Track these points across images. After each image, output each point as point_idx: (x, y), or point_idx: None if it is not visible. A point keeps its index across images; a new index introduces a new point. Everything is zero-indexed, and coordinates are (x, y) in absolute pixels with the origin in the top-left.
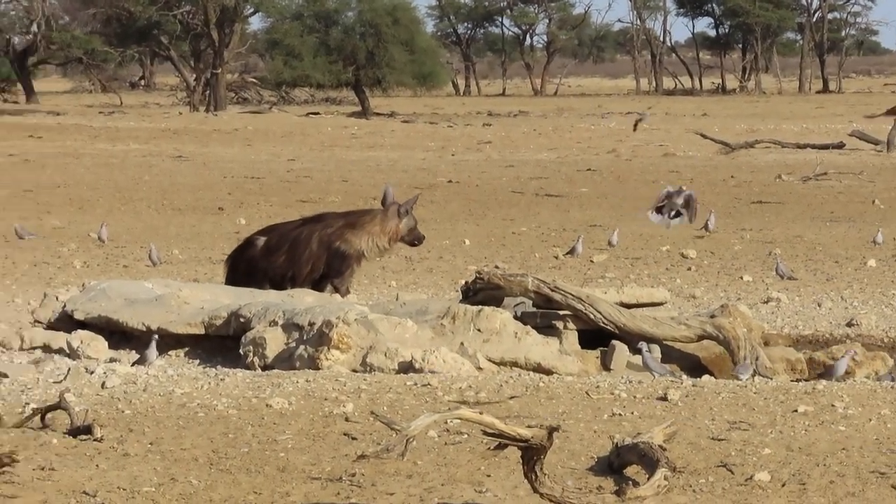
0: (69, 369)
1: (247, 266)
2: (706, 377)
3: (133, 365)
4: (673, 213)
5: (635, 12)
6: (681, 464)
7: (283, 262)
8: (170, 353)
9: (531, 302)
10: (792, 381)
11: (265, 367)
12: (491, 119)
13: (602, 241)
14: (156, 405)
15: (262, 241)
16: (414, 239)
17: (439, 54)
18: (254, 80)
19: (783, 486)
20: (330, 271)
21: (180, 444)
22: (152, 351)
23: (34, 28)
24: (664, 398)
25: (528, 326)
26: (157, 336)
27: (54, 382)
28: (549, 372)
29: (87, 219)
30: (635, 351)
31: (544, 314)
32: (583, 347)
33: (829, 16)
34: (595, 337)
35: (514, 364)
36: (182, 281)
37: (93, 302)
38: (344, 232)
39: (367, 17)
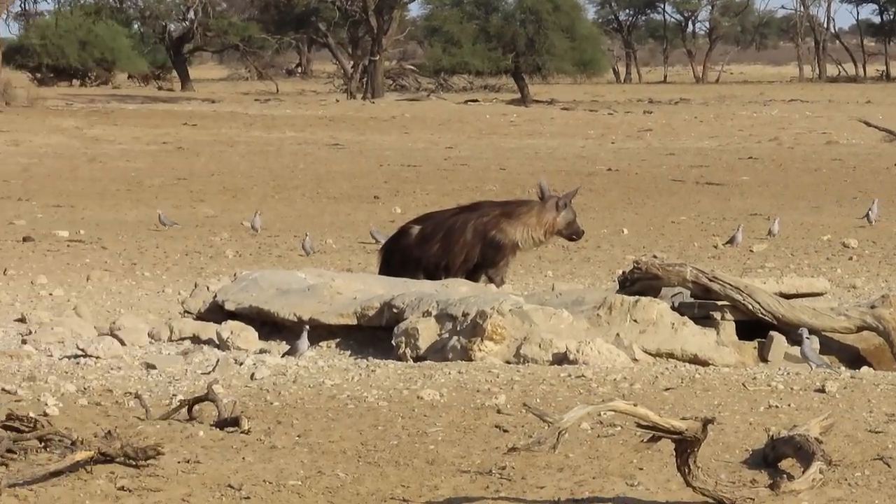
0: (218, 360)
1: (401, 256)
2: (865, 369)
3: (284, 356)
4: None
5: None
6: (837, 457)
7: (437, 251)
8: (321, 343)
9: (689, 292)
10: None
11: (417, 359)
12: (651, 106)
13: (762, 230)
14: (305, 397)
15: (416, 229)
16: (572, 233)
17: (600, 41)
18: (412, 67)
19: None
20: (484, 261)
21: (329, 436)
22: (303, 342)
23: (191, 15)
24: (822, 390)
25: (685, 317)
26: (308, 327)
27: (202, 374)
28: (705, 363)
29: (241, 207)
30: (793, 342)
31: (702, 304)
32: (740, 338)
33: None
34: (753, 328)
35: (670, 355)
36: (335, 271)
37: (244, 292)
38: (500, 221)
39: (527, 3)
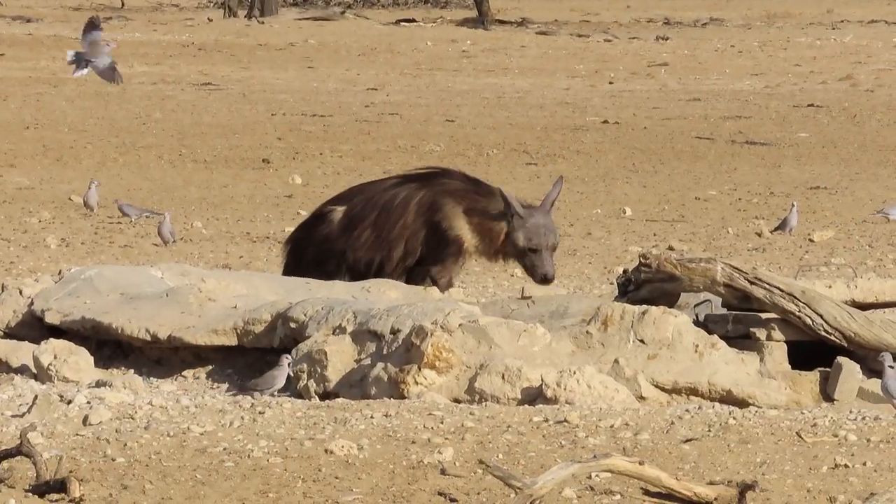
0: (36, 397)
1: (317, 250)
2: None
3: (243, 391)
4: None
5: None
6: None
7: (367, 240)
8: (185, 374)
9: (720, 300)
10: None
11: (325, 395)
12: (668, 30)
13: (828, 209)
14: (163, 450)
15: (339, 212)
16: (530, 268)
17: None
18: None
19: None
20: (428, 255)
21: None
22: (282, 372)
23: None
24: None
25: (715, 336)
26: (288, 356)
27: (13, 416)
28: (743, 403)
29: (69, 175)
30: (872, 372)
31: (739, 318)
32: (795, 366)
33: None
34: (813, 352)
35: (693, 392)
36: (206, 268)
37: (74, 298)
38: (447, 203)
39: None
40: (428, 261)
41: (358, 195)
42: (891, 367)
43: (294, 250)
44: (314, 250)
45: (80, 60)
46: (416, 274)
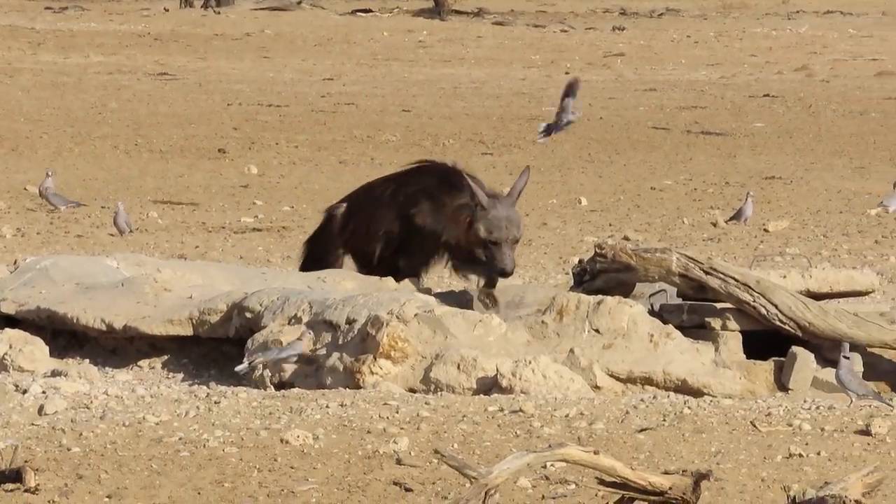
0: None
1: (322, 247)
2: None
3: (253, 362)
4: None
5: None
6: None
7: (359, 233)
8: (140, 363)
9: (675, 290)
10: None
11: (281, 385)
12: (624, 20)
13: (783, 199)
14: (118, 440)
15: (342, 209)
16: (490, 262)
17: None
18: None
19: None
20: (402, 247)
21: (153, 497)
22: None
23: None
24: (866, 431)
25: (670, 326)
26: (309, 330)
27: None
28: (698, 393)
29: (24, 165)
30: (826, 362)
31: (694, 308)
32: (750, 357)
33: None
34: (768, 341)
35: (648, 381)
36: (162, 258)
37: (29, 287)
38: (424, 196)
39: None
40: (402, 253)
41: (360, 192)
42: (845, 357)
43: (307, 251)
44: (320, 248)
45: (550, 128)
46: (393, 267)
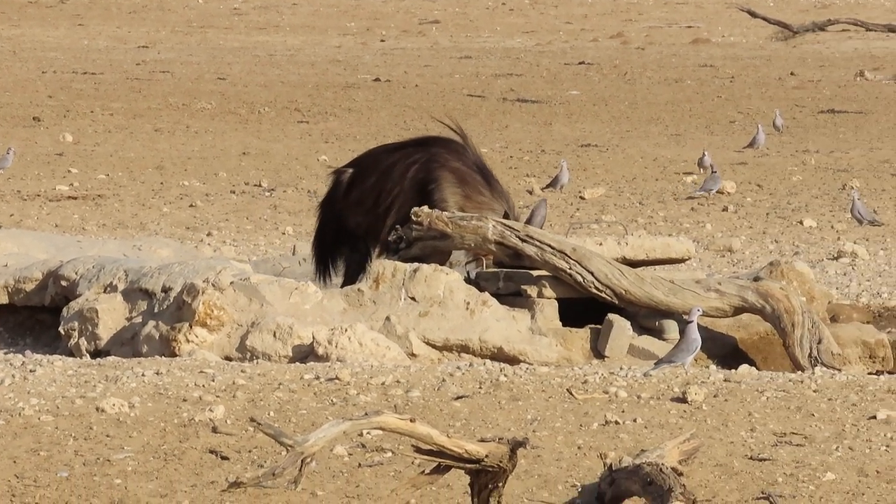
0: None
1: (325, 214)
2: (744, 368)
3: None
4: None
5: None
6: (704, 494)
7: (366, 203)
8: None
9: (492, 258)
10: (870, 373)
11: (97, 353)
12: None
13: (599, 166)
14: None
15: (348, 174)
16: None
17: None
18: None
19: None
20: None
21: None
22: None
23: None
24: (682, 399)
25: (487, 293)
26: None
27: None
28: (514, 360)
29: None
30: (642, 328)
31: (510, 275)
32: (566, 324)
33: None
34: (584, 309)
35: (464, 349)
36: None
37: None
38: (443, 173)
39: None
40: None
41: (366, 158)
42: (689, 321)
43: (321, 218)
44: (324, 215)
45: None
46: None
